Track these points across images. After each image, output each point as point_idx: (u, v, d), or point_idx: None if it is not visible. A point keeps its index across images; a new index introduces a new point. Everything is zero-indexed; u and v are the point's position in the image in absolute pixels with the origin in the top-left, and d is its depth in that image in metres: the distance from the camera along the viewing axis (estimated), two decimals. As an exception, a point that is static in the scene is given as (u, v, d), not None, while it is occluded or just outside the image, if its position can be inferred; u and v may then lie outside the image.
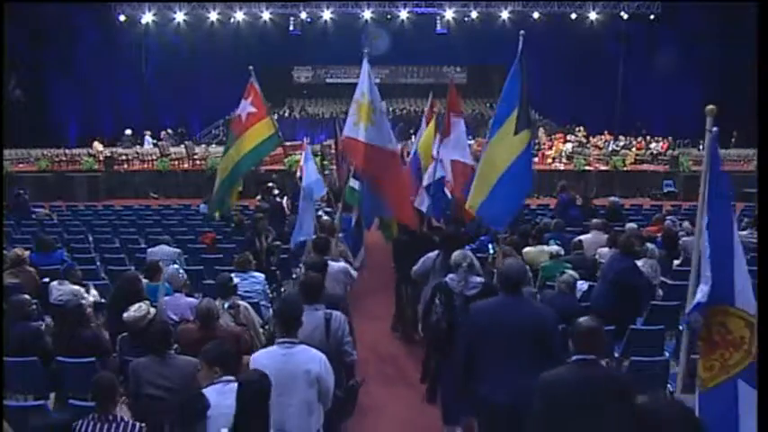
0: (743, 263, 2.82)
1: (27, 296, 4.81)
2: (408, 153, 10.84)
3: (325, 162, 15.16)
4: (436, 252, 5.16)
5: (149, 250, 7.13)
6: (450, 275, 4.42)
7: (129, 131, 21.89)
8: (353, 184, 6.93)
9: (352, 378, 3.83)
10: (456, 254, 4.51)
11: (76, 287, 5.56)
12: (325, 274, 4.47)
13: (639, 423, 1.94)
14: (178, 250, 7.11)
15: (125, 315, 4.26)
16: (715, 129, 2.96)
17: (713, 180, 2.91)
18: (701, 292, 2.75)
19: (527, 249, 6.59)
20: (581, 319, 2.91)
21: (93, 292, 5.72)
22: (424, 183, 6.87)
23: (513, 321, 3.30)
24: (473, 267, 4.44)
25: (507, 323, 3.30)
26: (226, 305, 4.61)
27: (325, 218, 7.59)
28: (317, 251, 5.28)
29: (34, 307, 4.86)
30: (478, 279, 4.39)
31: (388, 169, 6.05)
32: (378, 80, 28.77)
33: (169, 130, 22.74)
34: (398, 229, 6.84)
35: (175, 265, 5.91)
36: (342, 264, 5.37)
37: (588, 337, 2.79)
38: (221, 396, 2.84)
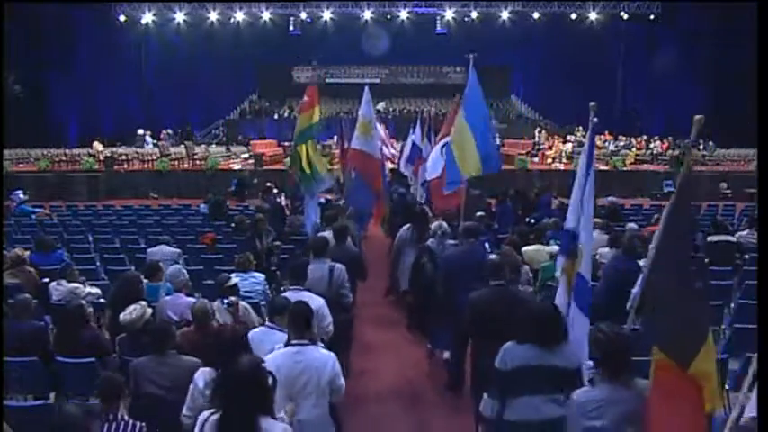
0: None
1: (29, 295, 4.82)
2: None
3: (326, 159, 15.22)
4: (408, 226, 6.73)
5: (149, 250, 7.13)
6: (431, 240, 5.99)
7: (141, 131, 21.92)
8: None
9: (347, 313, 4.91)
10: (434, 224, 6.16)
11: (74, 284, 5.57)
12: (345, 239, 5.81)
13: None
14: (178, 250, 7.11)
15: (121, 317, 4.26)
16: (595, 119, 3.61)
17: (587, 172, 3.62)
18: None
19: (526, 249, 6.59)
20: (492, 257, 4.50)
21: (95, 289, 5.73)
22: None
23: (466, 261, 5.01)
24: (446, 234, 5.95)
25: (464, 263, 5.02)
26: (225, 302, 4.61)
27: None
28: (328, 222, 6.83)
29: (41, 306, 4.86)
30: (451, 242, 5.85)
31: (373, 171, 8.02)
32: (378, 80, 29.09)
33: (169, 131, 22.75)
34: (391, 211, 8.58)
35: (177, 265, 5.91)
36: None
37: (497, 270, 4.16)
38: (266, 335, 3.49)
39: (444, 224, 6.08)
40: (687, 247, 2.83)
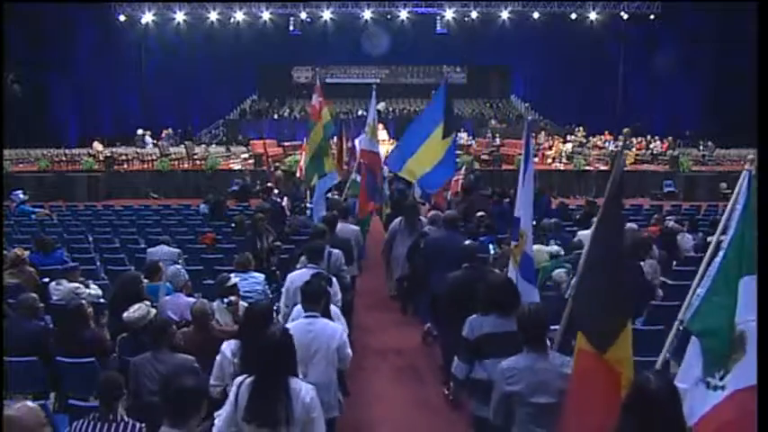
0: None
1: (34, 294, 4.83)
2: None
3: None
4: (400, 219, 7.30)
5: (149, 250, 7.13)
6: (429, 227, 6.81)
7: (140, 131, 21.90)
8: (355, 176, 9.42)
9: (347, 293, 5.53)
10: (430, 214, 7.26)
11: (73, 284, 5.57)
12: (335, 228, 6.30)
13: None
14: (178, 250, 7.11)
15: (125, 315, 4.26)
16: (530, 118, 3.53)
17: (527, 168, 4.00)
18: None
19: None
20: (466, 242, 5.24)
21: (94, 287, 5.73)
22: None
23: (447, 246, 5.61)
24: (436, 222, 6.71)
25: (443, 248, 5.67)
26: (225, 301, 4.61)
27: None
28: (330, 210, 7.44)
29: (42, 305, 4.86)
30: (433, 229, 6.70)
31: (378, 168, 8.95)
32: (378, 80, 29.10)
33: (169, 130, 22.75)
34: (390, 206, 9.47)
35: (177, 265, 5.91)
36: (352, 226, 7.11)
37: (470, 254, 4.93)
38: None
39: (440, 213, 6.76)
40: (618, 242, 2.96)
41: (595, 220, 3.04)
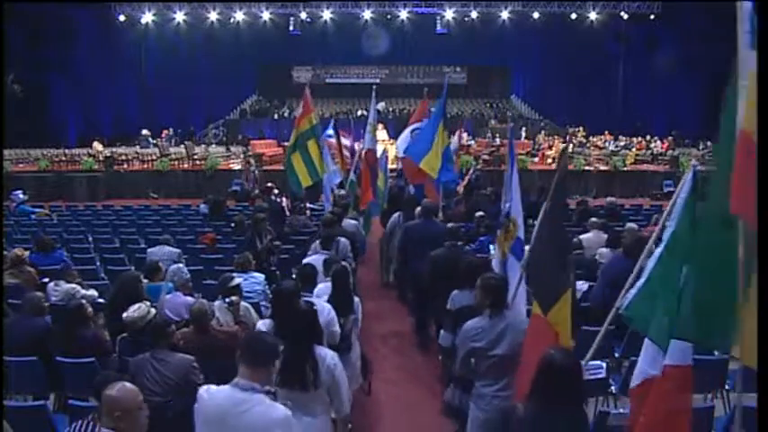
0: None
1: (40, 293, 4.84)
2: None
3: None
4: (398, 213, 7.80)
5: (150, 250, 7.13)
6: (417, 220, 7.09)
7: (145, 131, 21.89)
8: (352, 177, 9.96)
9: (353, 275, 5.84)
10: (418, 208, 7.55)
11: (70, 285, 5.56)
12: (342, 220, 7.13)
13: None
14: (178, 250, 7.11)
15: (125, 315, 4.26)
16: (511, 124, 4.29)
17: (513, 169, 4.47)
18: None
19: (526, 248, 6.59)
20: (425, 201, 6.58)
21: (92, 291, 5.72)
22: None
23: (424, 234, 6.28)
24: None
25: (422, 235, 6.29)
26: (227, 301, 4.61)
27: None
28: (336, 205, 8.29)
29: (48, 304, 4.87)
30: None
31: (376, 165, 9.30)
32: (378, 80, 29.12)
33: (170, 130, 22.76)
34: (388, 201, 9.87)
35: (179, 264, 5.91)
36: (353, 221, 7.90)
37: (452, 235, 5.75)
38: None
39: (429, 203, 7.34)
40: (562, 227, 3.82)
41: (546, 204, 3.59)
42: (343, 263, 4.95)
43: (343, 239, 6.23)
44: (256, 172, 15.48)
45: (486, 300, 3.55)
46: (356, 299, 4.54)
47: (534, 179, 14.23)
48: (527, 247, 3.99)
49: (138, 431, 2.44)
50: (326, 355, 3.12)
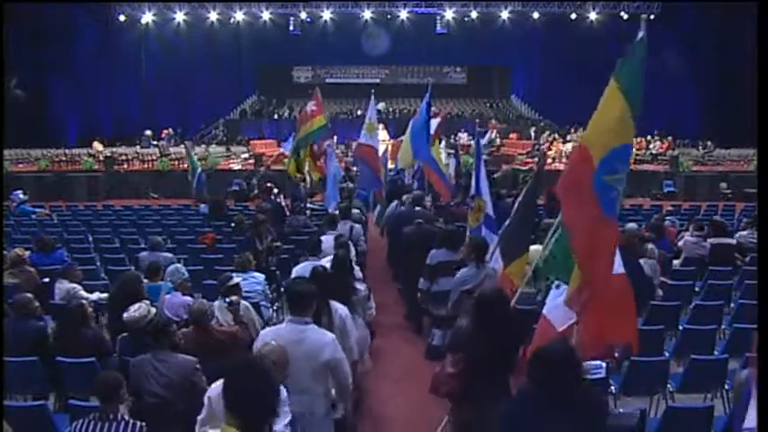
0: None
1: (30, 294, 4.82)
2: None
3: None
4: (395, 203, 8.71)
5: (140, 255, 6.86)
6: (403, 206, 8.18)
7: (148, 132, 21.87)
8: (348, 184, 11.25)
9: (364, 256, 7.47)
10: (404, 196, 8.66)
11: (71, 285, 5.56)
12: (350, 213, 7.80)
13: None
14: (171, 255, 6.97)
15: (125, 315, 4.25)
16: (480, 129, 5.35)
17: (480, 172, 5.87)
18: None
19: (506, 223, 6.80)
20: (414, 191, 8.42)
21: (95, 295, 5.70)
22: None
23: (404, 217, 7.27)
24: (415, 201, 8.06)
25: (402, 218, 7.34)
26: (227, 300, 4.61)
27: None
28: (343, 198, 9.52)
29: (38, 305, 4.86)
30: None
31: (375, 160, 9.76)
32: (378, 80, 29.11)
33: (170, 130, 22.73)
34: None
35: (177, 264, 5.91)
36: (357, 211, 8.62)
37: (415, 200, 7.40)
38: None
39: (417, 193, 8.32)
40: (531, 212, 5.12)
41: (522, 197, 4.89)
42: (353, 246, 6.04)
43: (356, 225, 7.33)
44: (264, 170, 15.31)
45: (471, 254, 4.93)
46: (364, 285, 5.03)
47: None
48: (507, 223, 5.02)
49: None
50: (337, 307, 3.81)
